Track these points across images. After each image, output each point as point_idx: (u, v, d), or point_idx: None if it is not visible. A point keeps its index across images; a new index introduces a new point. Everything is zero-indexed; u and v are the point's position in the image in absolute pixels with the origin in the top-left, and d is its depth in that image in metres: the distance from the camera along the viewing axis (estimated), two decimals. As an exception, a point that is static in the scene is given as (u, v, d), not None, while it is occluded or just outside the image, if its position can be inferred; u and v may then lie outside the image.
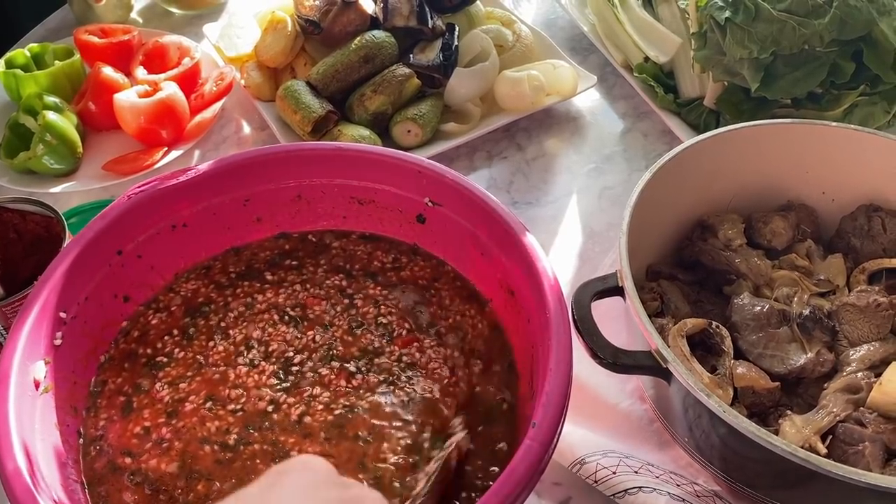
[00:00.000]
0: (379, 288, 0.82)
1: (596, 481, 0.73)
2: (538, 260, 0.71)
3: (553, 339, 0.65)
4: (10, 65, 1.14)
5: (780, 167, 0.88)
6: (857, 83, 1.00)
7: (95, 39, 1.19)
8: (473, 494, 0.66)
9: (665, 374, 0.66)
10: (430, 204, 0.82)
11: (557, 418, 0.60)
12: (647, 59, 1.15)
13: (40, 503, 0.57)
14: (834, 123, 0.86)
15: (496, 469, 0.68)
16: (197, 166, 0.81)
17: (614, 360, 0.67)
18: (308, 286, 0.82)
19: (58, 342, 0.71)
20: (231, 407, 0.72)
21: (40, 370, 0.68)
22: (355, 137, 1.05)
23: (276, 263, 0.84)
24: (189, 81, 1.16)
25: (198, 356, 0.76)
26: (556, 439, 0.60)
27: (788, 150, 0.87)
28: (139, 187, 0.79)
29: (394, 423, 0.70)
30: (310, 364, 0.75)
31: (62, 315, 0.72)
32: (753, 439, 0.61)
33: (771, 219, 0.86)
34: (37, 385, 0.67)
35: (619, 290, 0.71)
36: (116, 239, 0.77)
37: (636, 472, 0.73)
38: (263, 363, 0.75)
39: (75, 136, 1.07)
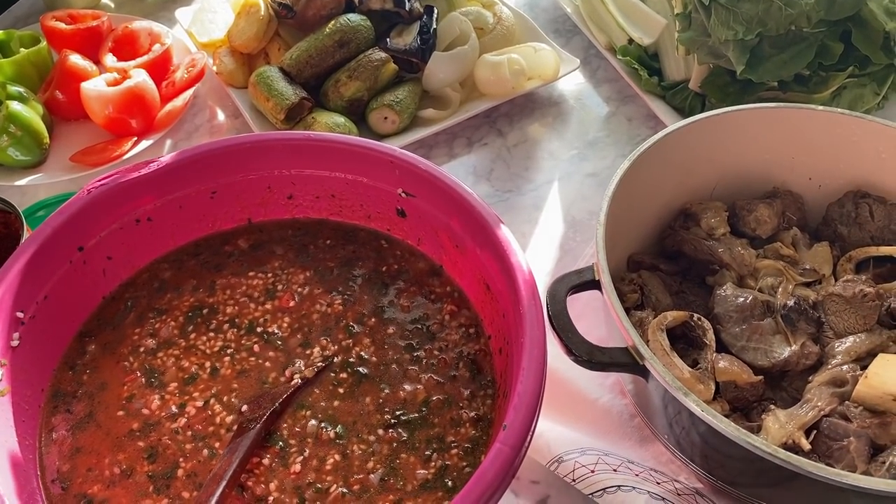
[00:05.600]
0: (349, 281, 0.79)
1: (574, 480, 0.71)
2: (512, 253, 0.69)
3: (526, 335, 0.63)
4: (-26, 53, 1.11)
5: (766, 153, 0.86)
6: (845, 65, 0.97)
7: (63, 26, 1.15)
8: (441, 494, 0.64)
9: (642, 372, 0.64)
10: (403, 195, 0.79)
11: (529, 420, 0.58)
12: (631, 41, 1.12)
13: (-10, 515, 0.55)
14: (821, 108, 0.84)
15: (469, 469, 0.66)
16: (160, 158, 0.78)
17: (589, 357, 0.65)
18: (279, 281, 0.80)
19: (14, 343, 0.68)
20: (195, 395, 0.71)
21: (-5, 373, 0.65)
22: (330, 125, 1.02)
23: (244, 255, 0.82)
24: (160, 68, 1.13)
25: (163, 354, 0.74)
26: (527, 442, 0.58)
27: (774, 136, 0.85)
28: (100, 181, 0.76)
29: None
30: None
31: (19, 315, 0.69)
32: (732, 439, 0.58)
33: (755, 206, 0.84)
34: (-9, 389, 0.65)
35: (595, 284, 0.69)
36: (77, 235, 0.75)
37: (615, 471, 0.71)
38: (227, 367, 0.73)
39: (41, 126, 1.04)
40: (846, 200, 0.84)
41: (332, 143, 0.81)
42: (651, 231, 0.86)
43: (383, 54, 1.06)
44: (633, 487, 0.69)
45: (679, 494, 0.70)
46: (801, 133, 0.84)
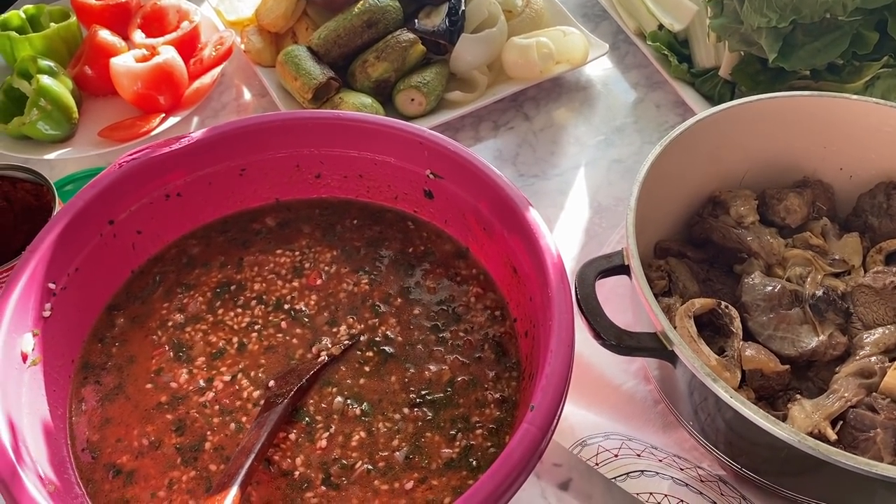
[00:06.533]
0: (376, 261, 0.79)
1: (597, 463, 0.72)
2: (541, 236, 0.69)
3: (554, 318, 0.63)
4: (4, 27, 1.11)
5: (797, 142, 0.85)
6: (879, 54, 0.96)
7: (92, 1, 1.15)
8: (465, 473, 0.64)
9: (670, 357, 0.64)
10: (431, 176, 0.79)
11: (557, 402, 0.58)
12: (661, 26, 1.11)
13: (24, 479, 0.56)
14: (854, 97, 0.83)
15: (494, 450, 0.66)
16: (191, 134, 0.79)
17: (618, 341, 0.65)
18: (306, 259, 0.80)
19: (46, 314, 0.69)
20: (223, 370, 0.71)
21: (28, 342, 0.66)
22: (357, 105, 1.02)
23: (271, 233, 0.82)
24: (188, 46, 1.13)
25: (191, 329, 0.74)
26: (554, 423, 0.58)
27: (806, 125, 0.84)
28: (130, 155, 0.77)
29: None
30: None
31: (51, 286, 0.70)
32: (760, 426, 0.58)
33: (785, 195, 0.83)
34: (24, 358, 0.66)
35: (624, 269, 0.69)
36: (108, 208, 0.75)
37: (638, 456, 0.71)
38: (256, 340, 0.73)
39: (70, 101, 1.04)
40: (878, 191, 0.83)
41: (362, 122, 0.80)
42: (679, 218, 0.85)
43: (411, 35, 1.06)
44: (657, 473, 0.69)
45: (702, 481, 0.70)
46: (833, 122, 0.83)
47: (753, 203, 0.82)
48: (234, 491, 0.58)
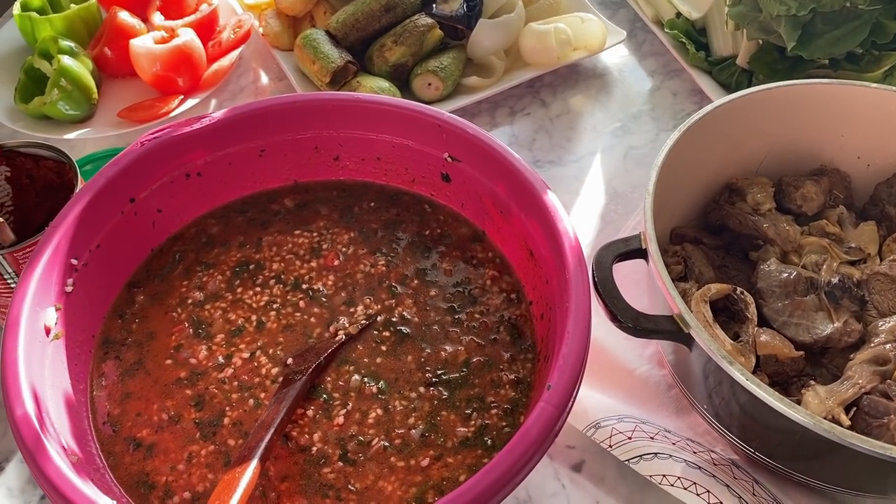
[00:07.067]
0: (392, 243, 0.80)
1: (611, 446, 0.72)
2: (559, 219, 0.69)
3: (572, 300, 0.63)
4: (25, 7, 1.12)
5: (814, 130, 0.85)
6: (899, 44, 0.96)
7: (112, -18, 1.16)
8: (481, 451, 0.65)
9: (687, 340, 0.64)
10: (449, 159, 0.79)
11: (573, 382, 0.59)
12: (678, 14, 1.11)
13: (48, 449, 0.57)
14: (874, 85, 0.82)
15: (509, 429, 0.67)
16: (212, 114, 0.79)
17: (635, 324, 0.65)
18: (324, 240, 0.81)
19: (69, 289, 0.70)
20: (242, 347, 0.72)
21: (51, 317, 0.67)
22: (374, 89, 1.02)
23: (289, 214, 0.83)
24: (206, 29, 1.14)
25: (210, 307, 0.75)
26: (571, 402, 0.58)
27: (823, 112, 0.84)
28: (152, 134, 0.77)
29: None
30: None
31: (73, 262, 0.71)
32: (775, 409, 0.59)
33: (802, 183, 0.83)
34: (47, 331, 0.66)
35: (642, 253, 0.69)
36: (129, 186, 0.76)
37: (652, 439, 0.72)
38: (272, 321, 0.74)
39: (90, 81, 1.05)
40: (895, 181, 0.83)
41: (381, 105, 0.81)
42: (695, 205, 0.85)
43: (429, 20, 1.06)
44: (670, 455, 0.70)
45: (715, 464, 0.70)
46: (851, 111, 0.83)
47: (770, 190, 0.82)
48: (253, 463, 0.59)
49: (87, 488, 0.56)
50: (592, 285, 0.66)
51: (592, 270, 0.68)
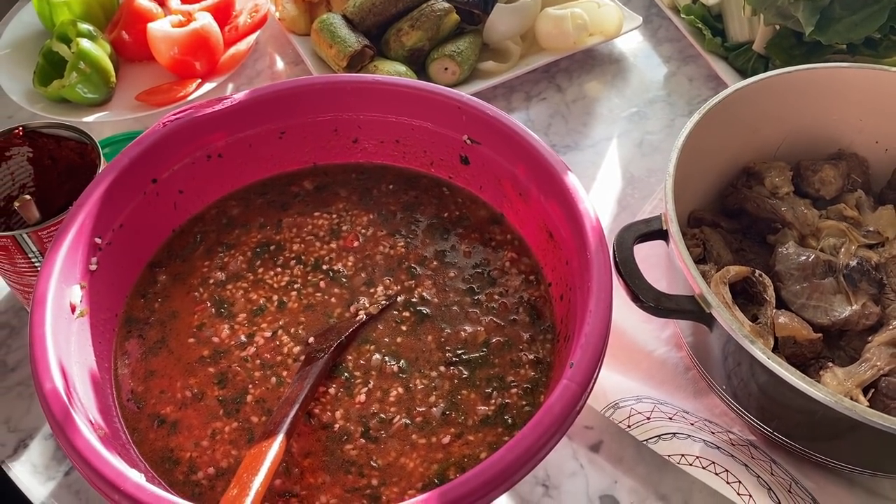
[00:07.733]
0: (411, 225, 0.81)
1: (629, 426, 0.73)
2: (580, 200, 0.70)
3: (594, 280, 0.64)
4: (43, -9, 1.12)
5: (833, 114, 0.85)
6: (918, 29, 0.95)
7: (129, -33, 1.16)
8: (501, 430, 0.66)
9: (708, 320, 0.65)
10: (468, 142, 0.80)
11: (596, 360, 0.59)
12: (694, 0, 1.11)
13: (77, 422, 0.58)
14: (893, 69, 0.82)
15: (529, 408, 0.67)
16: (232, 96, 0.80)
17: (657, 303, 0.66)
18: (343, 222, 0.81)
19: (93, 267, 0.71)
20: (263, 326, 0.73)
21: (76, 294, 0.68)
22: (391, 73, 1.02)
23: (309, 196, 0.83)
24: (223, 13, 1.14)
25: (232, 287, 0.76)
26: (593, 380, 0.59)
27: (842, 97, 0.84)
28: (174, 115, 0.78)
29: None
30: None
31: (97, 240, 0.71)
32: (797, 387, 0.59)
33: (820, 167, 0.83)
34: (73, 309, 0.67)
35: (663, 234, 0.70)
36: (151, 167, 0.77)
37: (670, 419, 0.72)
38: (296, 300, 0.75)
39: (109, 64, 1.06)
40: (914, 165, 0.83)
41: (401, 87, 0.81)
42: (713, 188, 0.86)
43: (446, 4, 1.06)
44: (688, 435, 0.70)
45: (733, 445, 0.71)
46: (870, 95, 0.83)
47: (788, 174, 0.83)
48: (280, 437, 0.59)
49: (116, 461, 0.57)
50: (614, 265, 0.66)
51: (614, 251, 0.68)
